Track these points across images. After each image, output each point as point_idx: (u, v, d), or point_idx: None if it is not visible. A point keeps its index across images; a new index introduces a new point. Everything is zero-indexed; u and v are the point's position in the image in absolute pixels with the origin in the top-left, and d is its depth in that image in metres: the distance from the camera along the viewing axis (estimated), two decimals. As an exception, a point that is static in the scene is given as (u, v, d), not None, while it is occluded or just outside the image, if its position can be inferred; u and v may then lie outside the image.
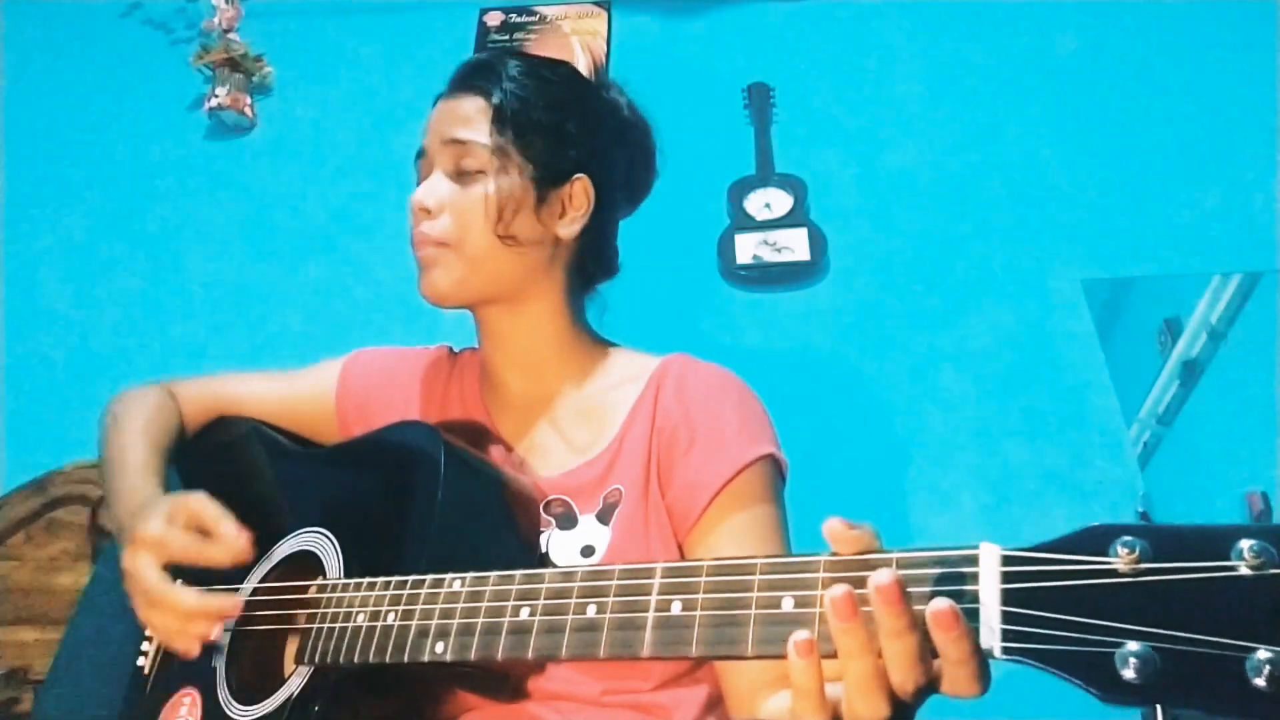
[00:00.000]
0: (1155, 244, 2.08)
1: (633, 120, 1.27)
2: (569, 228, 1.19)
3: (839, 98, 2.38)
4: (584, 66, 1.28)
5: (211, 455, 1.31)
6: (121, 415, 1.22)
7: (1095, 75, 2.32)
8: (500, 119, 1.15)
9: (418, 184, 1.18)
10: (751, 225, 2.15)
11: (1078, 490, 1.83)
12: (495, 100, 1.16)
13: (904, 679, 0.63)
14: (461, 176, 1.15)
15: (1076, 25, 2.40)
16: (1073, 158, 2.21)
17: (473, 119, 1.16)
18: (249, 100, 2.48)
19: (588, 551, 1.09)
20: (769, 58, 2.44)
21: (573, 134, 1.19)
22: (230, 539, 0.97)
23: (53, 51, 2.70)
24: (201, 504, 1.00)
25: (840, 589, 0.62)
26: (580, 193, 1.19)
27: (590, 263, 1.25)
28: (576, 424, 1.19)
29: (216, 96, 2.44)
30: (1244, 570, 0.52)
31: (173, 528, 0.99)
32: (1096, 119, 2.26)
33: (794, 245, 2.12)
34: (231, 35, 2.51)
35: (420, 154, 1.20)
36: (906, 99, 2.35)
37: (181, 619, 0.96)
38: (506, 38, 2.54)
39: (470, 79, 1.19)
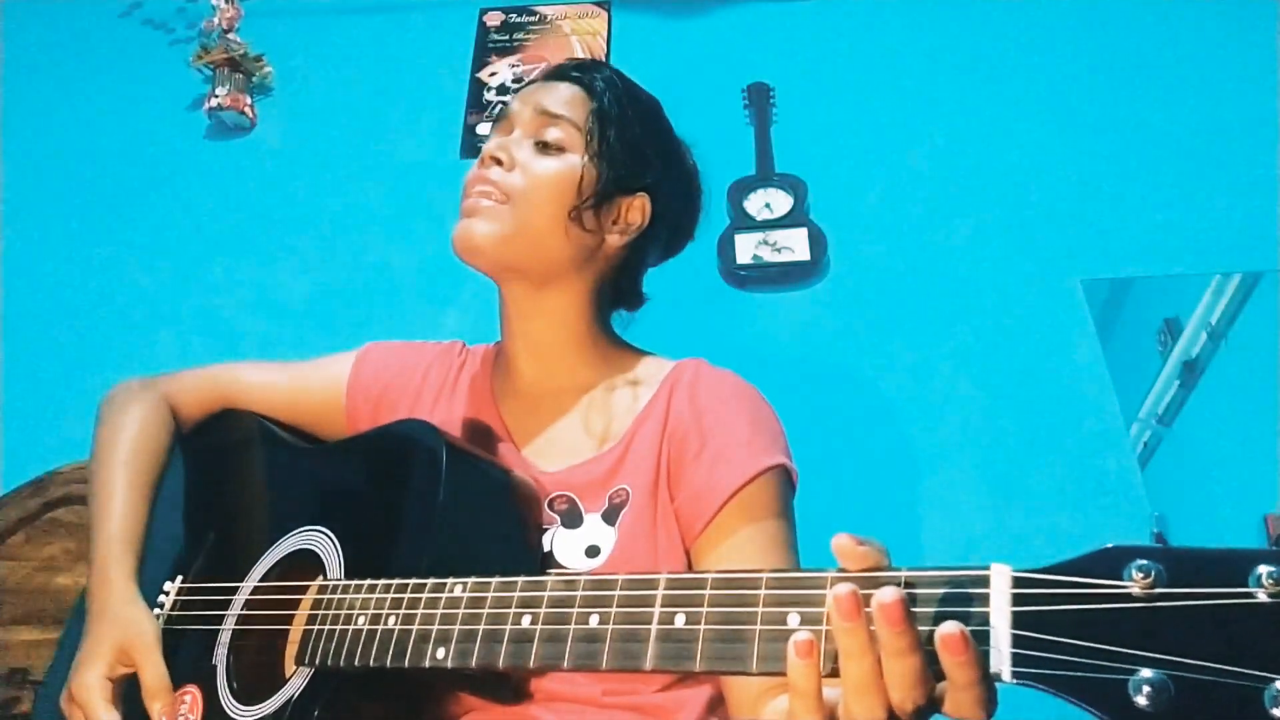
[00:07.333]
0: (1155, 244, 2.08)
1: (694, 174, 1.32)
2: (618, 236, 1.21)
3: (839, 98, 2.37)
4: None
5: (213, 451, 1.31)
6: (107, 440, 1.22)
7: (1095, 75, 2.32)
8: (598, 115, 1.19)
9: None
10: (751, 225, 2.15)
11: (1078, 489, 1.83)
12: (597, 99, 1.20)
13: (903, 698, 0.62)
14: (542, 147, 1.18)
15: (1076, 25, 2.39)
16: (1073, 157, 2.21)
17: (571, 102, 1.20)
18: (249, 100, 2.47)
19: (593, 552, 1.08)
20: (769, 58, 2.44)
21: (650, 157, 1.22)
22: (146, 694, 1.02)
23: (53, 51, 2.69)
24: (142, 658, 1.03)
25: (844, 587, 0.61)
26: (638, 209, 1.22)
27: (624, 281, 1.27)
28: (585, 420, 1.19)
29: (216, 96, 2.43)
30: (1263, 597, 0.51)
31: (107, 683, 1.03)
32: (1097, 118, 2.25)
33: (794, 245, 2.12)
34: (231, 35, 2.50)
35: (501, 116, 1.23)
36: (906, 99, 2.35)
37: None
38: (506, 38, 2.53)
39: (577, 72, 1.24)
